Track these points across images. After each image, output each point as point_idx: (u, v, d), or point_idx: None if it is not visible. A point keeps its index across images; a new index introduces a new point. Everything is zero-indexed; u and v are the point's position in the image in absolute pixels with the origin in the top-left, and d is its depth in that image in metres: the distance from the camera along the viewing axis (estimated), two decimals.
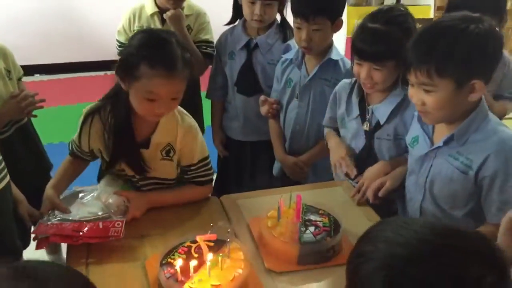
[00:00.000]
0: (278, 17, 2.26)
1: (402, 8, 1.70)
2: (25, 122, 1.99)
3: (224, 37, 2.32)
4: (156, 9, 2.31)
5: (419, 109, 1.45)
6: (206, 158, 1.69)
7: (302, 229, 1.44)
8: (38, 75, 4.69)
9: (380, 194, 1.63)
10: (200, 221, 1.57)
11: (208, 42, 2.37)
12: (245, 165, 2.39)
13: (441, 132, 1.49)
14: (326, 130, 1.99)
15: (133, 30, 2.29)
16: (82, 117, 1.61)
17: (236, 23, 2.30)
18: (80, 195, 1.59)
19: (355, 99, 1.80)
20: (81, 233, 1.43)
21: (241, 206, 1.67)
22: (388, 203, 1.69)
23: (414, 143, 1.58)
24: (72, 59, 4.73)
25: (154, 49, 1.46)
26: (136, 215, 1.57)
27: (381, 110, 1.73)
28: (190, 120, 1.66)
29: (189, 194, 1.68)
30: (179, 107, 1.62)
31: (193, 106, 2.34)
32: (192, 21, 2.34)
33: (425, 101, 1.39)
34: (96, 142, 1.62)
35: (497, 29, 1.41)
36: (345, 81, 1.87)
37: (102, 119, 1.58)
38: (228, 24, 2.32)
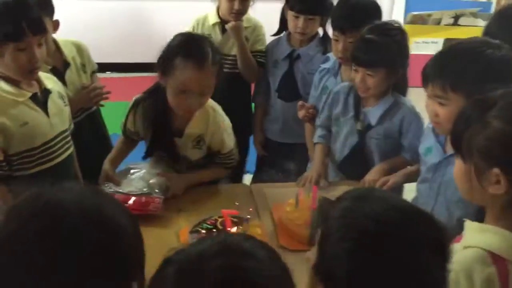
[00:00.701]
0: (321, 30, 2.46)
1: (396, 24, 1.92)
2: (94, 111, 2.27)
3: (270, 46, 2.54)
4: (218, 20, 2.49)
5: (432, 120, 1.60)
6: (232, 150, 1.96)
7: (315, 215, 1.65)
8: (109, 72, 5.12)
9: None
10: (229, 202, 1.79)
11: (263, 52, 2.53)
12: (282, 164, 2.60)
13: None
14: (317, 139, 2.17)
15: None
16: (130, 104, 1.92)
17: (282, 34, 2.51)
18: (132, 171, 1.88)
19: (351, 101, 2.01)
20: (126, 205, 1.70)
21: (267, 194, 1.90)
22: None
23: (427, 153, 1.73)
24: (140, 60, 5.12)
25: (188, 46, 1.74)
26: (177, 193, 1.84)
27: (372, 113, 1.95)
28: (222, 118, 1.91)
29: (216, 174, 1.99)
30: (214, 104, 1.88)
31: (244, 109, 2.62)
32: (249, 32, 2.52)
33: (438, 112, 1.53)
34: (139, 127, 1.92)
35: None
36: (345, 84, 2.07)
37: (144, 109, 1.87)
38: (275, 35, 2.54)
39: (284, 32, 2.51)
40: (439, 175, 1.66)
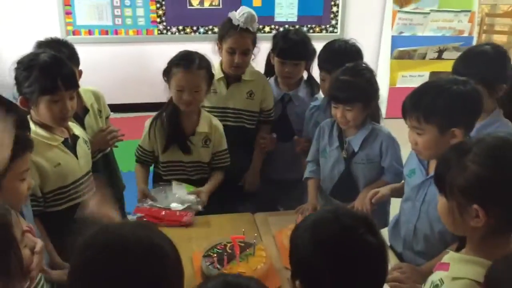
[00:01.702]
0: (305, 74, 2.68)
1: (364, 65, 2.21)
2: (108, 151, 2.50)
3: None
4: (222, 75, 2.55)
5: (413, 148, 1.83)
6: (226, 149, 2.43)
7: None
8: (112, 113, 5.36)
9: (374, 200, 2.03)
10: (236, 230, 1.97)
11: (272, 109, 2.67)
12: (280, 198, 2.76)
13: (435, 164, 1.84)
14: (308, 174, 2.39)
15: None
16: (148, 122, 2.36)
17: (269, 79, 2.70)
18: (162, 191, 2.25)
19: (335, 133, 2.26)
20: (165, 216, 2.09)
21: (270, 222, 2.12)
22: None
23: (411, 174, 1.95)
24: (142, 100, 5.35)
25: (180, 57, 2.27)
26: (205, 201, 2.23)
27: (354, 141, 2.20)
28: (219, 122, 2.43)
29: (219, 180, 2.40)
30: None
31: (248, 157, 2.71)
32: (253, 87, 2.58)
33: (417, 141, 1.77)
34: (157, 137, 2.33)
35: (479, 91, 1.75)
36: (328, 120, 2.32)
37: (161, 119, 2.34)
38: None
39: (270, 76, 2.70)
40: (422, 194, 1.87)
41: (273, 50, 2.60)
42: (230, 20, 2.47)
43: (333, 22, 5.57)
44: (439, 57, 5.60)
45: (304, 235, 1.16)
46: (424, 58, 5.61)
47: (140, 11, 5.28)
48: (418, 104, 1.75)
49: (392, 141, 2.20)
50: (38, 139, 1.81)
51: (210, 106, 2.54)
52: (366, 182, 2.22)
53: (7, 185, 1.41)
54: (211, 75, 2.30)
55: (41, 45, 2.23)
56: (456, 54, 5.50)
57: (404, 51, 5.57)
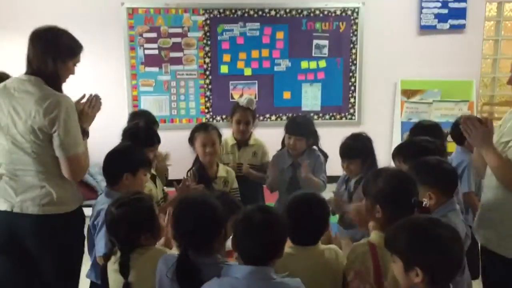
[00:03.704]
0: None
1: (363, 134, 3.13)
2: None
3: (275, 158, 3.59)
4: (235, 142, 3.67)
5: None
6: (237, 187, 3.40)
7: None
8: (165, 187, 6.42)
9: None
10: None
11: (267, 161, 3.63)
12: None
13: None
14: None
15: (222, 155, 3.65)
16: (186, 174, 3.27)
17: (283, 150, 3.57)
18: None
19: (344, 180, 3.25)
20: None
21: None
22: None
23: None
24: None
25: (198, 126, 3.36)
26: None
27: (352, 183, 3.11)
28: (232, 170, 3.42)
29: None
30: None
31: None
32: (256, 149, 3.67)
33: None
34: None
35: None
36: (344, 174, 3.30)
37: (192, 171, 3.34)
38: (280, 150, 3.61)
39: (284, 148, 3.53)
40: None
41: (285, 128, 3.48)
42: (237, 103, 3.67)
43: (351, 110, 6.62)
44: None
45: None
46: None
47: (192, 104, 6.49)
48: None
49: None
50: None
51: (228, 164, 3.60)
52: None
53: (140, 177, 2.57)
54: (219, 133, 3.35)
55: (135, 114, 3.46)
56: None
57: None
